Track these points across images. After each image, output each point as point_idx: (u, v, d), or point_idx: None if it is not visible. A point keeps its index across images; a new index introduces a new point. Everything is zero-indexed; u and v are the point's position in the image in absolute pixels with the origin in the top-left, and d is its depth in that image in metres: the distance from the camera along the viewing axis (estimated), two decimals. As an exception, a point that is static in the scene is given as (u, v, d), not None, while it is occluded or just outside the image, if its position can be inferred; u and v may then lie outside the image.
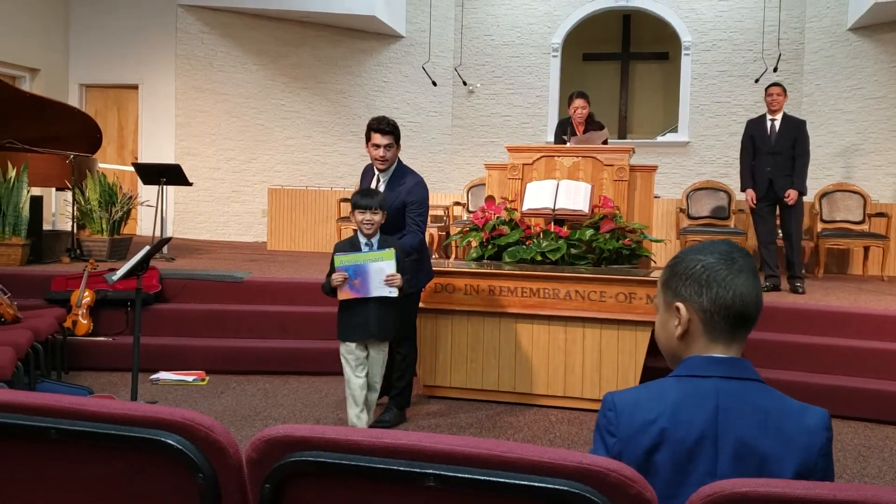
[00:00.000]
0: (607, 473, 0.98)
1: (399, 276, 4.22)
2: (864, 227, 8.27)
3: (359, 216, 4.28)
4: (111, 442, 1.03)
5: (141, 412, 1.06)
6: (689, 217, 8.63)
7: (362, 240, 4.34)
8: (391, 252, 4.22)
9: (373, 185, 4.74)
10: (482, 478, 0.94)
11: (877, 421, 4.94)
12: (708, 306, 1.47)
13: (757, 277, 1.50)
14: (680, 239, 8.49)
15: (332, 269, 4.25)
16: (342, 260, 4.21)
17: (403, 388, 4.87)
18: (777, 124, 6.88)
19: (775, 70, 9.47)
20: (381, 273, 4.20)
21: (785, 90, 7.00)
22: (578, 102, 7.08)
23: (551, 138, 10.49)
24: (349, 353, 4.37)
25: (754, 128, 7.01)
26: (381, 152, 4.64)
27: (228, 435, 1.06)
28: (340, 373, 5.73)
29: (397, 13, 11.52)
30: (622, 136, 12.64)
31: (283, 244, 9.96)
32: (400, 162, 4.81)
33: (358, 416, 4.36)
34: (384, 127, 4.63)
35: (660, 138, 11.78)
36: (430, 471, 0.94)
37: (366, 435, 1.00)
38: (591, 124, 7.21)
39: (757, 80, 10.75)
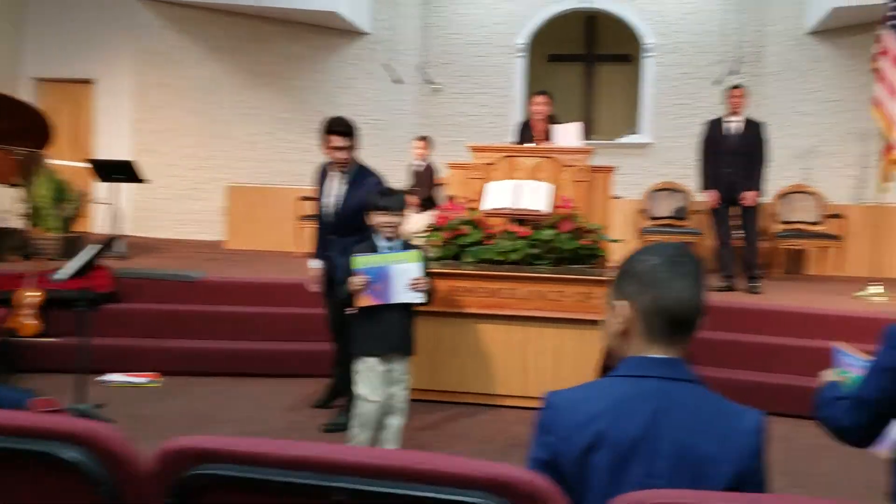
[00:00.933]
0: (519, 485, 0.94)
1: (425, 279, 3.91)
2: (821, 227, 8.38)
3: (380, 218, 3.89)
4: (4, 455, 0.97)
5: (36, 424, 0.99)
6: (650, 217, 8.68)
7: (382, 244, 3.93)
8: (417, 253, 3.91)
9: (332, 185, 4.66)
10: (391, 491, 0.90)
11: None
12: (648, 306, 1.47)
13: (700, 283, 1.49)
14: (640, 239, 8.53)
15: (349, 274, 3.82)
16: (363, 262, 3.79)
17: None
18: (738, 126, 6.93)
19: (736, 72, 9.56)
20: (405, 276, 3.83)
21: (747, 92, 7.06)
22: (539, 99, 7.10)
23: (512, 138, 10.51)
24: (369, 370, 3.84)
25: (714, 129, 7.07)
26: (340, 154, 4.55)
27: (130, 446, 1.00)
28: (298, 375, 5.68)
29: (360, 10, 11.42)
30: (586, 137, 12.65)
31: (242, 243, 9.81)
32: (359, 161, 4.74)
33: (369, 444, 3.86)
34: (342, 129, 4.54)
35: (622, 140, 11.83)
36: (339, 484, 0.90)
37: (274, 447, 0.94)
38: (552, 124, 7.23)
39: (718, 83, 10.83)
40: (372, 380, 3.82)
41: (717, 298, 6.29)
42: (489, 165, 6.34)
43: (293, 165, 11.44)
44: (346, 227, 4.40)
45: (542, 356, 5.08)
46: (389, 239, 3.93)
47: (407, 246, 4.01)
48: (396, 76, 11.47)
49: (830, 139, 10.25)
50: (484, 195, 6.17)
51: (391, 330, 3.85)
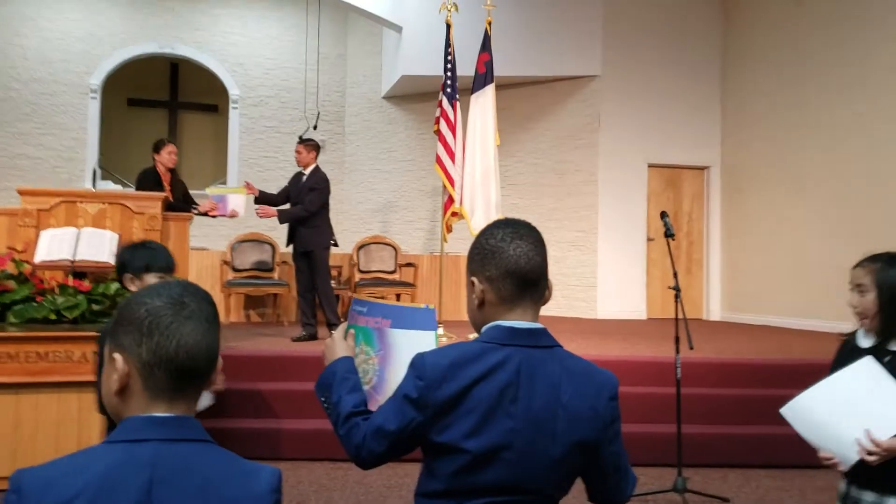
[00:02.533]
0: None
1: None
2: (396, 276, 8.93)
3: None
4: None
5: None
6: (234, 269, 8.45)
7: None
8: None
9: None
10: None
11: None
12: (147, 358, 1.21)
13: (213, 325, 1.27)
14: (223, 291, 8.24)
15: None
16: None
17: None
18: (305, 178, 7.08)
19: (315, 128, 9.90)
20: None
21: (311, 148, 7.19)
22: (172, 147, 6.75)
23: (88, 184, 9.57)
24: None
25: (293, 180, 7.16)
26: None
27: None
28: None
29: None
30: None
31: None
32: None
33: None
34: None
35: (208, 190, 11.46)
36: None
37: None
38: (176, 178, 6.89)
39: (300, 138, 11.12)
40: None
41: (297, 347, 6.26)
42: (44, 211, 5.57)
43: None
44: None
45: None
46: None
47: None
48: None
49: (405, 195, 11.11)
50: (39, 245, 5.38)
51: None
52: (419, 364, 1.51)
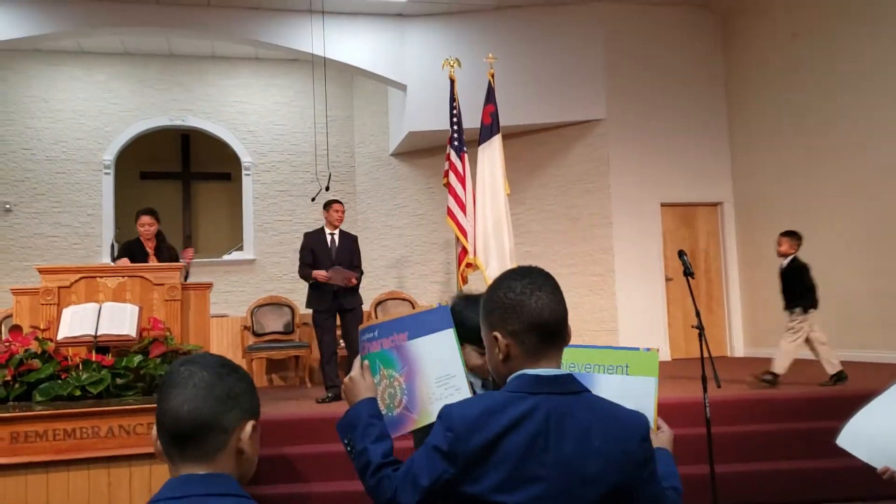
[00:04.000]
0: None
1: None
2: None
3: None
4: None
5: None
6: (254, 334, 8.46)
7: None
8: None
9: None
10: None
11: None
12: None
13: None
14: (245, 357, 8.24)
15: None
16: None
17: None
18: (336, 237, 7.13)
19: (327, 189, 9.96)
20: None
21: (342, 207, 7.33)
22: (145, 219, 6.78)
23: (106, 259, 9.67)
24: None
25: (314, 240, 7.13)
26: None
27: None
28: None
29: None
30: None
31: None
32: None
33: None
34: None
35: (226, 257, 11.59)
36: None
37: None
38: (162, 242, 6.83)
39: (313, 199, 11.22)
40: None
41: (323, 409, 6.23)
42: (65, 288, 5.64)
43: None
44: None
45: (137, 498, 4.46)
46: None
47: None
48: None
49: (418, 249, 11.16)
50: (61, 322, 5.43)
51: None
52: (447, 415, 1.51)
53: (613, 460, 1.48)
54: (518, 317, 1.54)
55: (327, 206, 7.28)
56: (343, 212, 7.27)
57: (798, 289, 6.53)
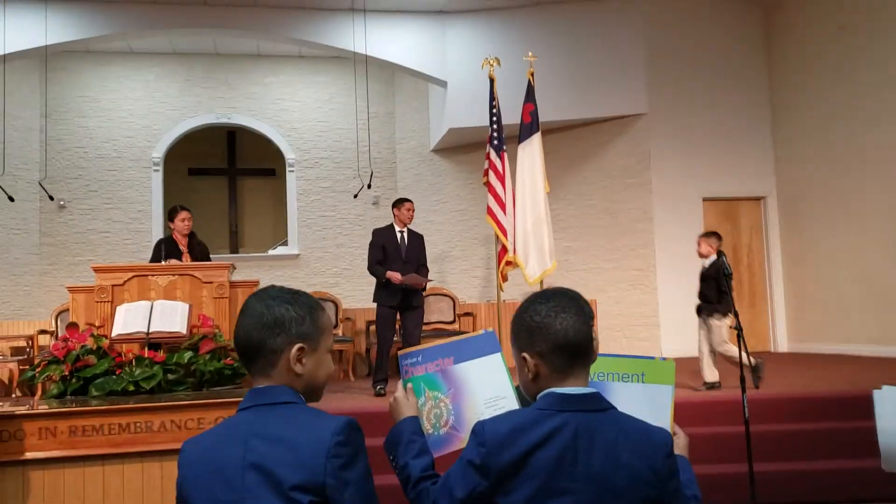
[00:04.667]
0: None
1: None
2: (455, 325, 9.02)
3: None
4: None
5: None
6: (300, 329, 8.64)
7: None
8: None
9: None
10: None
11: None
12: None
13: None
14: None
15: None
16: None
17: None
18: (406, 235, 7.23)
19: (369, 186, 10.11)
20: None
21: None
22: (185, 214, 6.97)
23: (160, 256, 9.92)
24: None
25: (385, 237, 7.20)
26: None
27: None
28: None
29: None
30: (234, 250, 12.46)
31: None
32: None
33: None
34: None
35: (271, 252, 11.82)
36: None
37: None
38: (193, 239, 6.99)
39: (356, 196, 11.36)
40: None
41: (378, 402, 6.36)
42: (118, 286, 5.86)
43: None
44: None
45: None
46: None
47: None
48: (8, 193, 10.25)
49: (459, 244, 11.24)
50: (115, 319, 5.65)
51: None
52: (479, 431, 1.60)
53: (640, 475, 1.55)
54: (545, 338, 1.62)
55: (399, 204, 7.36)
56: (413, 210, 7.36)
57: (713, 293, 6.39)
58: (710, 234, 6.71)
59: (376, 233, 7.30)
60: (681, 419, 5.65)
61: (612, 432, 1.58)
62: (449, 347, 1.89)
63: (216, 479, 1.51)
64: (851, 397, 5.82)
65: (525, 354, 1.66)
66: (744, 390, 4.46)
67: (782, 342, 10.20)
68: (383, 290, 7.06)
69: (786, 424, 5.60)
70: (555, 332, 1.62)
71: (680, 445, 1.86)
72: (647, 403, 1.84)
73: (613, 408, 1.64)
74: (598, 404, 1.61)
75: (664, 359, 1.89)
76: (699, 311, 6.55)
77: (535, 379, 1.66)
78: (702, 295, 6.55)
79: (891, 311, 8.35)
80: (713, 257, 6.50)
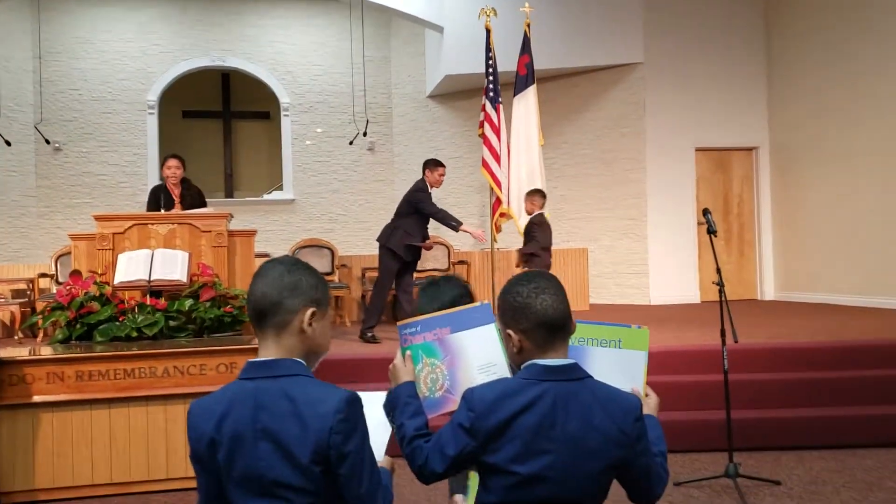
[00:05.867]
0: None
1: None
2: (450, 273, 9.18)
3: None
4: None
5: None
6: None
7: None
8: None
9: None
10: None
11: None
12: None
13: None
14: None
15: None
16: None
17: None
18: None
19: (364, 134, 10.18)
20: None
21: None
22: (172, 162, 6.93)
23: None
24: None
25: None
26: None
27: None
28: None
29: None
30: (229, 194, 12.53)
31: None
32: None
33: None
34: None
35: (266, 196, 11.90)
36: None
37: None
38: (188, 188, 7.03)
39: (351, 142, 11.39)
40: None
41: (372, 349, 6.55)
42: (119, 234, 5.97)
43: None
44: None
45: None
46: None
47: None
48: (3, 138, 10.27)
49: (454, 192, 11.32)
50: (115, 267, 5.78)
51: None
52: (469, 397, 1.79)
53: (611, 437, 1.76)
54: (526, 317, 1.80)
55: (433, 166, 7.21)
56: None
57: (529, 246, 6.63)
58: (534, 192, 6.86)
59: (426, 188, 7.22)
60: (667, 368, 5.79)
61: (587, 399, 1.76)
62: (446, 318, 2.04)
63: (235, 444, 1.63)
64: (831, 348, 6.03)
65: (510, 331, 1.84)
66: (724, 343, 4.63)
67: (769, 291, 10.42)
68: (408, 246, 7.09)
69: (767, 374, 5.80)
70: (535, 311, 1.79)
71: (650, 405, 2.04)
72: (623, 367, 2.02)
73: (589, 376, 1.82)
74: (575, 374, 1.80)
75: (639, 327, 2.05)
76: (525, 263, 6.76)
77: (520, 352, 1.84)
78: (522, 249, 6.79)
79: (876, 262, 8.53)
80: (536, 212, 6.74)
